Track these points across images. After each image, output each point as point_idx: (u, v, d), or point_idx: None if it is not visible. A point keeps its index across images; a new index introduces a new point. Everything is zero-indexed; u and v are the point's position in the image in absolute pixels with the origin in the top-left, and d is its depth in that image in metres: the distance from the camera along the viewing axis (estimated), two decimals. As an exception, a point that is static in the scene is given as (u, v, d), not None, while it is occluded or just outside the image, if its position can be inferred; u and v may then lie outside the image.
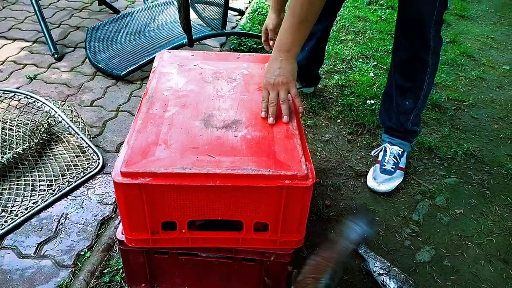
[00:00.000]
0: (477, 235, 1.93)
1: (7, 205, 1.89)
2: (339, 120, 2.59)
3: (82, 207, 1.93)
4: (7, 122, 2.13)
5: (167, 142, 1.28)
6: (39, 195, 1.95)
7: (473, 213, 2.04)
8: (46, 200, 1.91)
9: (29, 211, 1.87)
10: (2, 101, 2.25)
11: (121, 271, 1.65)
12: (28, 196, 1.94)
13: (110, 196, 1.99)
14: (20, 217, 1.84)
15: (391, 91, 2.14)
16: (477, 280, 1.73)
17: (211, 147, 1.27)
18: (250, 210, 1.26)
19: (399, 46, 2.00)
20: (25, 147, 2.07)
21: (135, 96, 2.69)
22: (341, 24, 3.69)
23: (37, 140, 2.13)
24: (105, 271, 1.67)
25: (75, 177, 2.04)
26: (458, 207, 2.06)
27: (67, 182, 2.01)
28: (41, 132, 2.17)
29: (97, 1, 3.74)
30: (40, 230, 1.82)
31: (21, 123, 2.16)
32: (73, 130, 2.20)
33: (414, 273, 1.74)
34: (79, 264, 1.69)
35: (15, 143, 2.08)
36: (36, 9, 3.10)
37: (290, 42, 1.41)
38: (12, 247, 1.75)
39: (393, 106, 2.15)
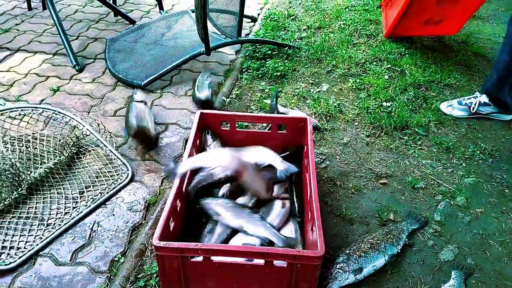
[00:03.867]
0: (499, 233, 1.96)
1: (43, 218, 1.96)
2: (356, 123, 2.64)
3: (113, 215, 2.00)
4: (37, 138, 2.21)
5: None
6: (73, 207, 2.01)
7: (494, 211, 2.07)
8: (81, 212, 1.98)
9: (65, 224, 1.93)
10: (31, 117, 2.32)
11: (155, 276, 1.71)
12: (62, 206, 2.01)
13: (139, 203, 2.06)
14: (57, 229, 1.91)
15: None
16: (501, 278, 1.77)
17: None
18: None
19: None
20: (56, 161, 2.15)
21: (156, 105, 2.76)
22: (353, 27, 3.74)
23: (67, 154, 2.21)
24: (139, 276, 1.73)
25: (107, 188, 2.10)
26: (478, 206, 2.09)
27: (99, 194, 2.07)
28: (70, 146, 2.24)
29: (112, 13, 3.83)
30: (74, 238, 1.89)
31: (50, 137, 2.23)
32: (102, 143, 2.27)
33: (439, 271, 1.78)
34: (113, 269, 1.75)
35: (46, 157, 2.15)
36: (56, 22, 3.18)
37: None
38: (49, 255, 1.82)
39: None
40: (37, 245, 1.83)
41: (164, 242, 1.46)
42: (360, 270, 1.69)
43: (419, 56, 3.32)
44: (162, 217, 1.55)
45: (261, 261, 1.47)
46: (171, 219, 1.62)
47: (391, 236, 1.84)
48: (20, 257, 1.78)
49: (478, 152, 2.42)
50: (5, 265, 1.74)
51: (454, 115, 2.71)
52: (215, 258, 1.49)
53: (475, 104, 2.68)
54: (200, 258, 1.50)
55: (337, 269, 1.66)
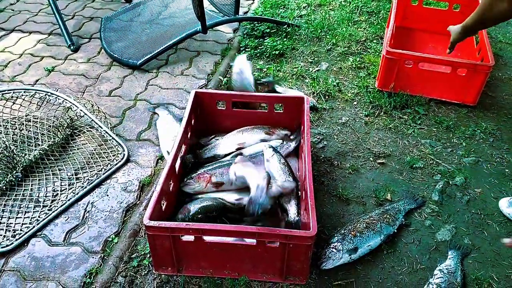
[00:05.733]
0: (498, 213, 1.94)
1: (39, 200, 1.94)
2: (355, 102, 2.59)
3: (107, 195, 1.98)
4: (30, 120, 2.18)
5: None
6: (69, 189, 1.99)
7: (493, 191, 2.04)
8: (77, 194, 1.97)
9: (61, 205, 1.91)
10: (24, 99, 2.28)
11: (148, 256, 1.70)
12: (58, 188, 1.99)
13: (134, 184, 2.04)
14: (54, 211, 1.89)
15: None
16: (499, 258, 1.75)
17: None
18: None
19: None
20: (50, 142, 2.13)
21: (151, 85, 2.72)
22: (354, 4, 3.65)
23: (61, 136, 2.18)
24: (133, 256, 1.72)
25: (103, 169, 2.08)
26: (477, 186, 2.06)
27: (95, 175, 2.05)
28: (64, 128, 2.21)
29: (109, -9, 3.76)
30: (68, 218, 1.88)
31: (43, 119, 2.21)
32: (97, 124, 2.24)
33: (435, 251, 1.76)
34: (107, 250, 1.75)
35: (40, 139, 2.13)
36: (51, 1, 3.13)
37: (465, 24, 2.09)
38: (42, 235, 1.81)
39: None
40: (33, 227, 1.82)
41: (155, 221, 1.45)
42: (355, 250, 1.67)
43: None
44: (154, 196, 1.53)
45: (253, 241, 1.46)
46: (163, 198, 1.60)
47: (388, 216, 1.82)
48: (17, 239, 1.77)
49: (479, 131, 2.37)
50: (2, 247, 1.73)
51: None
52: (206, 238, 1.48)
53: None
54: (191, 238, 1.48)
55: (332, 249, 1.65)
